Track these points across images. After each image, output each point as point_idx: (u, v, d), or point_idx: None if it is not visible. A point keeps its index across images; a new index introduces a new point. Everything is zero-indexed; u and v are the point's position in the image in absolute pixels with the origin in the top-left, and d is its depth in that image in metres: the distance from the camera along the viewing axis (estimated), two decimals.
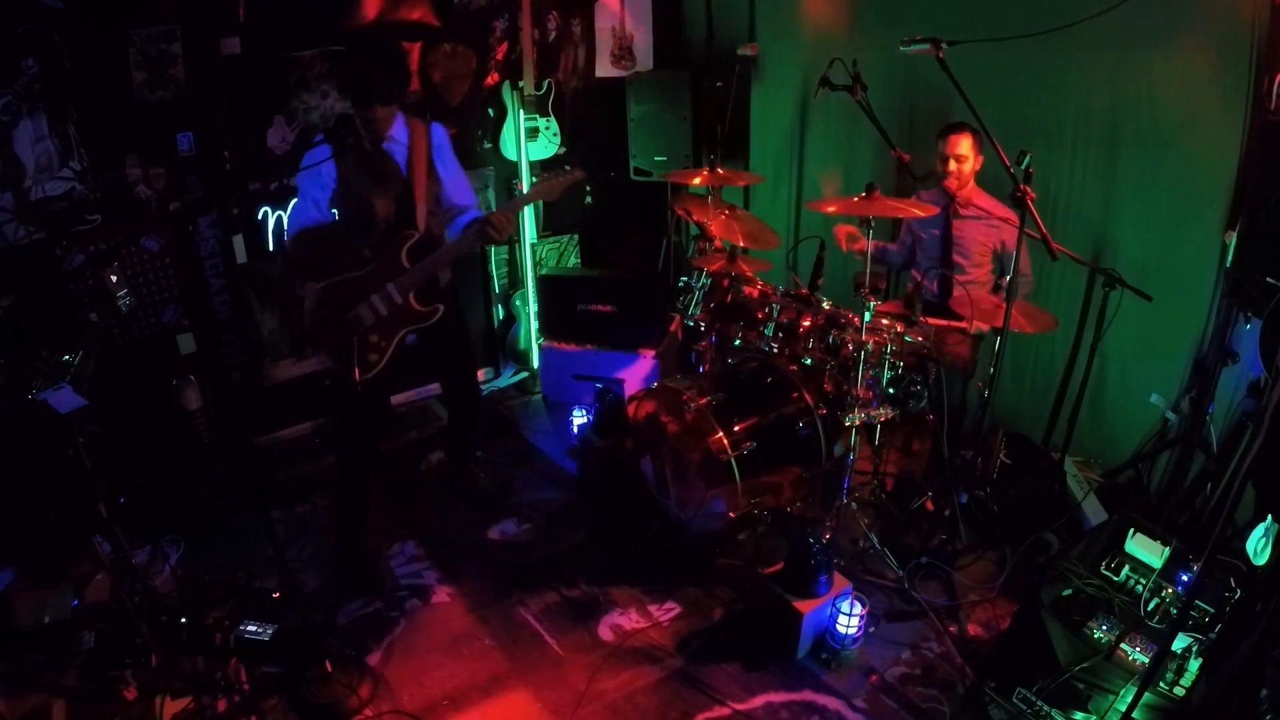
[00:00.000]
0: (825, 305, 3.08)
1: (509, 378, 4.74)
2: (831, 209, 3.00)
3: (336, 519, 3.17)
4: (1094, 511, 3.10)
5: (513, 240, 4.55)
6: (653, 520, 3.29)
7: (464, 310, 3.30)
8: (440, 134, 2.97)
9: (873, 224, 2.90)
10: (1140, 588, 2.41)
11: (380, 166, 2.85)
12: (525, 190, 2.91)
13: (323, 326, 2.93)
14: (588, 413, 3.84)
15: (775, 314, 3.07)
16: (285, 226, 3.17)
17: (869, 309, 2.85)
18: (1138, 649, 2.24)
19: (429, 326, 2.95)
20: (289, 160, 3.64)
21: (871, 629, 2.76)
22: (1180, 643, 2.18)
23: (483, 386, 4.64)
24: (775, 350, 3.13)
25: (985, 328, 3.12)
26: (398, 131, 2.84)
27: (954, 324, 3.15)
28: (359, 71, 2.73)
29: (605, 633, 2.85)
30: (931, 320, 3.01)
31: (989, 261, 3.40)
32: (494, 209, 3.07)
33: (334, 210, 2.93)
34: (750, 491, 2.97)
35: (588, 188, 4.84)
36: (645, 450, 3.36)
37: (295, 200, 3.03)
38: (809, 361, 3.09)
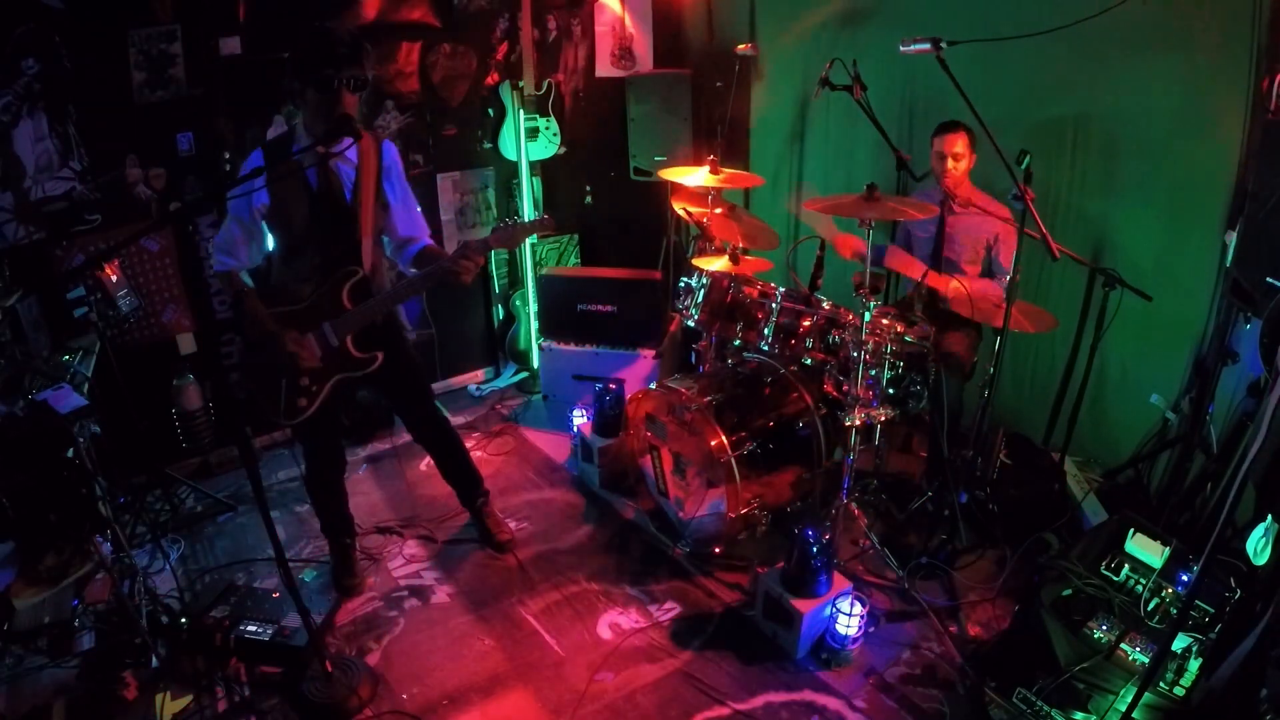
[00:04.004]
0: (825, 305, 3.08)
1: (509, 378, 4.74)
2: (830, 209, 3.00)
3: (320, 519, 3.07)
4: (1094, 511, 3.10)
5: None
6: (652, 521, 3.29)
7: (405, 339, 2.92)
8: (392, 154, 2.61)
9: (872, 225, 2.90)
10: (1140, 588, 2.41)
11: (324, 189, 2.48)
12: (490, 233, 2.59)
13: (254, 362, 2.64)
14: (588, 413, 3.84)
15: (775, 314, 3.07)
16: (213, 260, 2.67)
17: (869, 309, 2.85)
18: (1138, 649, 2.24)
19: (373, 371, 2.64)
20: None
21: (871, 629, 2.76)
22: (1180, 643, 2.18)
23: (483, 386, 4.65)
24: (775, 350, 3.12)
25: (963, 290, 3.09)
26: (348, 148, 2.43)
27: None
28: (328, 39, 2.30)
29: (605, 633, 2.85)
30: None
31: (981, 260, 3.41)
32: (469, 238, 2.70)
33: (266, 232, 2.58)
34: (750, 491, 2.97)
35: (588, 187, 4.84)
36: (645, 450, 3.37)
37: (223, 228, 2.59)
38: (809, 361, 3.09)
